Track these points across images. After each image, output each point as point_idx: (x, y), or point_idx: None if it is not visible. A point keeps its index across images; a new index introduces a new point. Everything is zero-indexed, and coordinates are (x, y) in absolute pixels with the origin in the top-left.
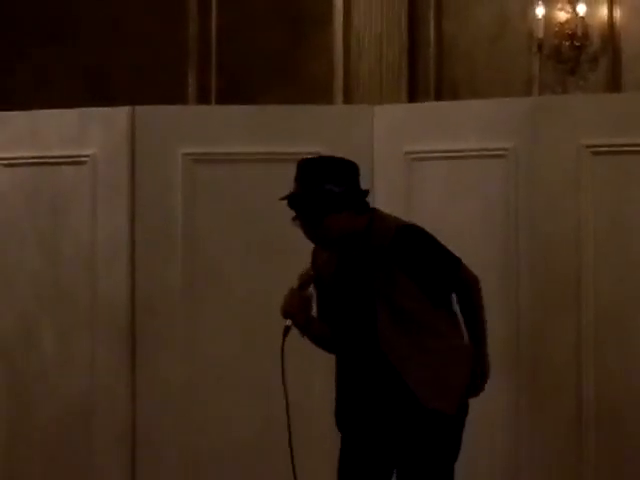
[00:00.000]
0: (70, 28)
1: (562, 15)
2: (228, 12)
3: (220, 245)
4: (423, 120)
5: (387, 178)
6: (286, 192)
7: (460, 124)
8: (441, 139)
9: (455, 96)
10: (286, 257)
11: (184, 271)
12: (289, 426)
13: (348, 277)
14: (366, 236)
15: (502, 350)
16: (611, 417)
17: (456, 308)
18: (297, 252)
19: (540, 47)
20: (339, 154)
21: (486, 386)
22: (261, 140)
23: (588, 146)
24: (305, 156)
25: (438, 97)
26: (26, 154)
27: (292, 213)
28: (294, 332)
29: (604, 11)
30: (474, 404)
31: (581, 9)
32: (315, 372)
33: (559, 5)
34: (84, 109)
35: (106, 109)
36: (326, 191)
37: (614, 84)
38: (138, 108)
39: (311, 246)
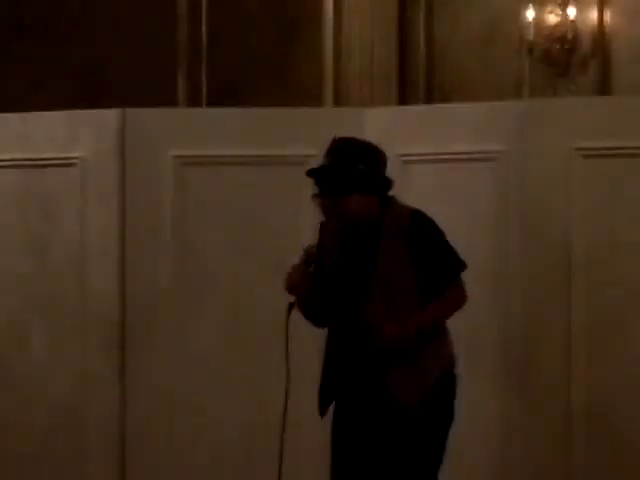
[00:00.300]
0: (60, 30)
1: (552, 18)
2: (218, 14)
3: (210, 247)
4: (414, 123)
5: None
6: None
7: (451, 127)
8: (432, 142)
9: (445, 99)
10: (275, 259)
11: (174, 273)
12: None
13: (351, 256)
14: (380, 220)
15: (493, 352)
16: (601, 419)
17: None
18: (287, 254)
19: (530, 50)
20: None
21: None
22: (251, 143)
23: (579, 149)
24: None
25: (428, 100)
26: (16, 156)
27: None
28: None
29: (594, 14)
30: (465, 406)
31: (571, 12)
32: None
33: (549, 8)
34: (74, 111)
35: (96, 111)
36: (357, 169)
37: (604, 87)
38: (128, 110)
39: (300, 248)
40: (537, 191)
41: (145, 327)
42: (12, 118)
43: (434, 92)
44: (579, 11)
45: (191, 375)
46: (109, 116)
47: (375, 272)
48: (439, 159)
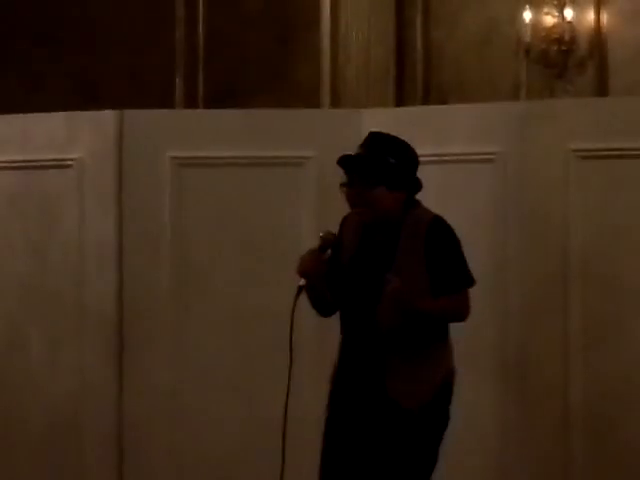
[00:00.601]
0: (59, 32)
1: (549, 20)
2: (216, 16)
3: (208, 249)
4: (411, 124)
5: None
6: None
7: (448, 129)
8: (429, 143)
9: (443, 101)
10: (273, 261)
11: (172, 274)
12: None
13: (370, 252)
14: (402, 220)
15: (490, 354)
16: (598, 421)
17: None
18: (285, 255)
19: (527, 52)
20: (327, 158)
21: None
22: (249, 144)
23: (576, 150)
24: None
25: (426, 102)
26: (14, 157)
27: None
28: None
29: (591, 16)
30: (463, 407)
31: (568, 14)
32: (303, 378)
33: (546, 10)
34: (72, 112)
35: (94, 112)
36: (387, 162)
37: (601, 88)
38: (126, 112)
39: (301, 250)
40: (535, 192)
41: (143, 328)
42: (10, 119)
43: (432, 93)
44: (576, 12)
45: (189, 376)
46: (107, 117)
47: (391, 270)
48: (437, 160)
